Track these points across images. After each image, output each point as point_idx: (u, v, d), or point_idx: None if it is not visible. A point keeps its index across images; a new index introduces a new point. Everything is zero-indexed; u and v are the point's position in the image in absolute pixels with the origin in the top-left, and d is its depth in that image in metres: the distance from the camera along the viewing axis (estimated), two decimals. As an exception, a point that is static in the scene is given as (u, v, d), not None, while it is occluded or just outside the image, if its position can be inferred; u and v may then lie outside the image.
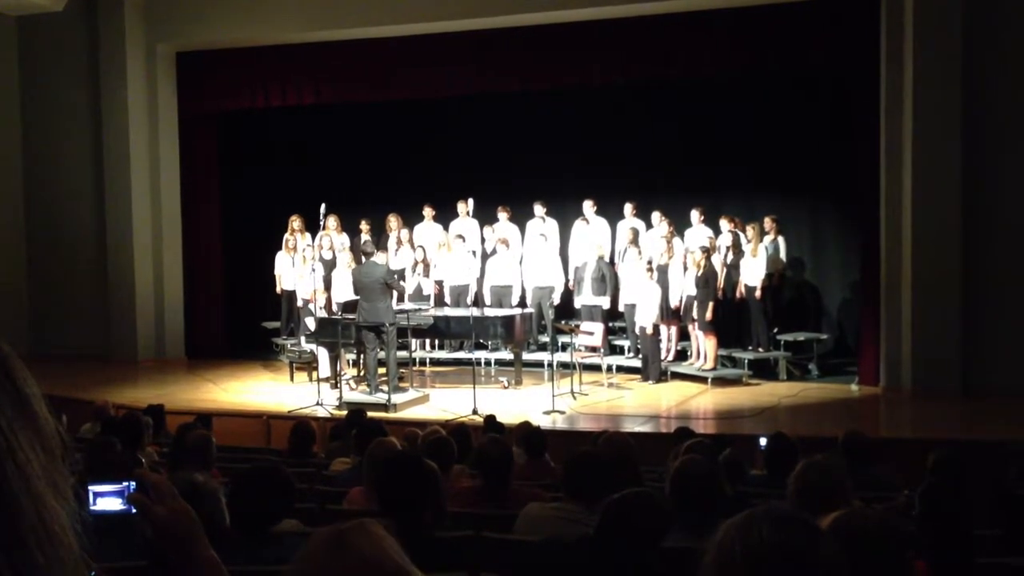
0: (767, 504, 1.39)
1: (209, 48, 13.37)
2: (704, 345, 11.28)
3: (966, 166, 10.12)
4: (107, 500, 1.61)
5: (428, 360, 12.49)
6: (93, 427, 7.48)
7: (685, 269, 11.45)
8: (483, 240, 12.78)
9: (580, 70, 12.07)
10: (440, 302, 12.25)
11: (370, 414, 7.92)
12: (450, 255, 12.32)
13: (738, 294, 11.58)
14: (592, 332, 11.11)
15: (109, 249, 13.43)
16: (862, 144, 11.03)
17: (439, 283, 12.40)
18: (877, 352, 10.87)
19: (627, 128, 13.43)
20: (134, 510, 1.44)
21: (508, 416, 8.46)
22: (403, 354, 10.86)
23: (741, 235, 11.77)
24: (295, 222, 12.73)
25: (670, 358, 11.73)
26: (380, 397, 9.81)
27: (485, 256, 12.49)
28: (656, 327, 11.08)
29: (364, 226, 12.79)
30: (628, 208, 12.47)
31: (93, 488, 1.60)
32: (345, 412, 8.56)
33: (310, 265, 11.52)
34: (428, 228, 12.93)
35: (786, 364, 11.47)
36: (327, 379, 10.85)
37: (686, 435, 6.43)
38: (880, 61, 10.65)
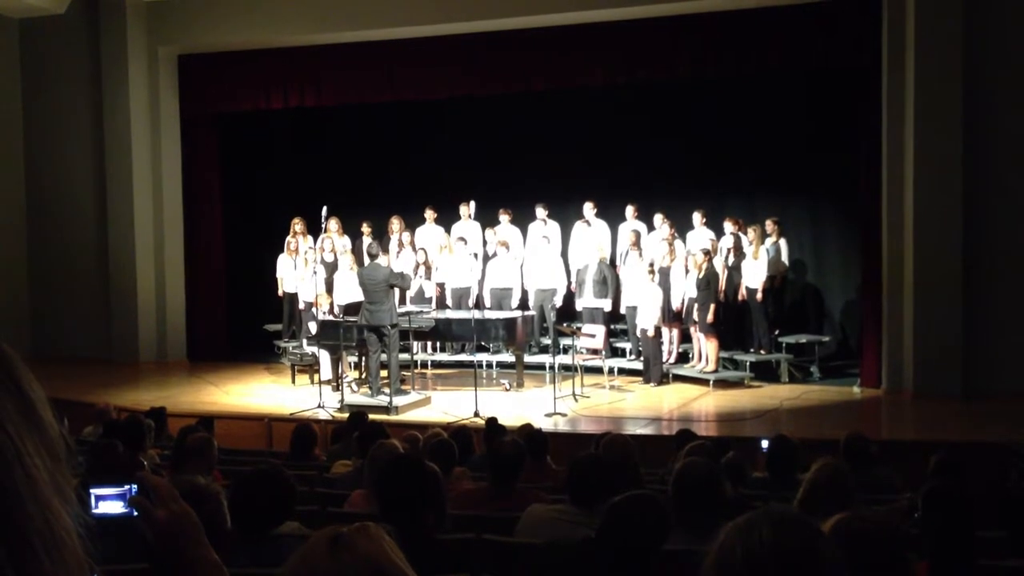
0: (768, 506, 1.39)
1: (211, 51, 13.38)
2: (705, 347, 11.27)
3: (967, 168, 10.12)
4: (108, 503, 1.61)
5: (430, 362, 12.50)
6: (95, 430, 7.48)
7: (687, 271, 11.45)
8: (485, 242, 12.78)
9: (582, 72, 12.08)
10: (442, 304, 12.26)
11: (372, 417, 7.92)
12: (452, 257, 12.33)
13: (739, 296, 11.58)
14: (593, 334, 11.11)
15: (111, 251, 13.45)
16: (863, 146, 11.03)
17: (440, 285, 12.40)
18: (879, 354, 10.86)
19: (629, 130, 13.43)
20: (135, 513, 1.45)
21: (510, 418, 8.46)
22: (405, 356, 10.86)
23: (743, 237, 11.77)
24: (297, 224, 12.75)
25: (671, 360, 11.73)
26: (382, 400, 9.81)
27: (486, 258, 12.49)
28: (658, 329, 11.08)
29: (366, 228, 12.80)
30: (630, 210, 12.47)
31: (94, 491, 1.60)
32: (347, 414, 8.56)
33: (312, 267, 11.53)
34: (430, 230, 12.94)
35: (788, 366, 11.46)
36: (328, 382, 10.86)
37: (688, 437, 6.43)
38: (881, 62, 10.65)
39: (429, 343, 12.41)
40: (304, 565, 1.30)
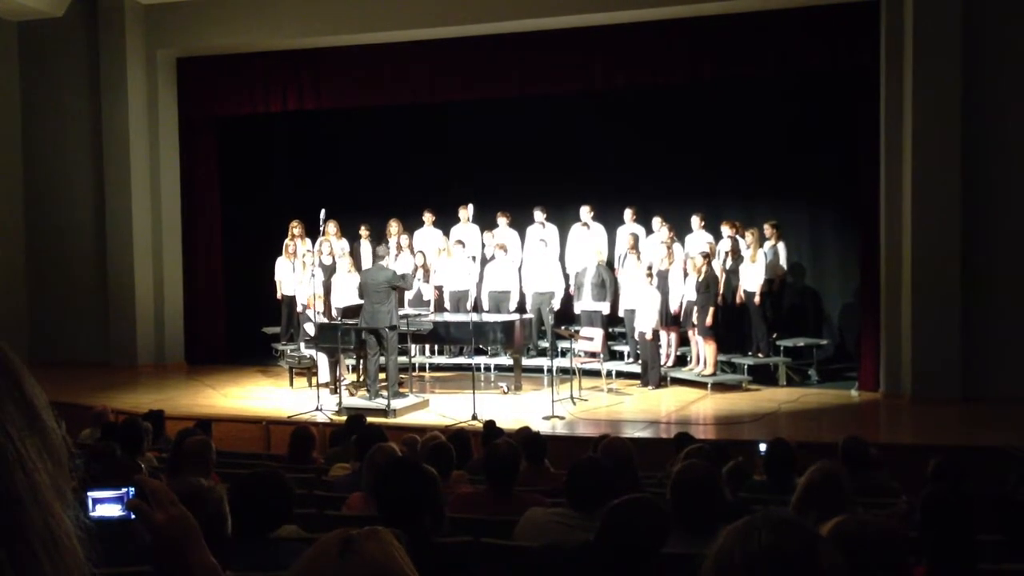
0: (766, 510, 1.39)
1: (209, 54, 13.38)
2: (704, 350, 11.27)
3: (966, 171, 10.13)
4: (106, 506, 1.60)
5: (428, 365, 12.50)
6: (93, 433, 7.48)
7: (685, 275, 11.45)
8: (483, 245, 12.78)
9: (580, 75, 12.08)
10: (440, 307, 12.26)
11: (370, 419, 7.92)
12: (450, 260, 12.33)
13: (738, 299, 11.59)
14: (592, 337, 11.12)
15: (109, 254, 13.44)
16: (862, 149, 11.04)
17: (439, 288, 12.40)
18: (877, 358, 10.87)
19: (627, 133, 13.45)
20: (133, 516, 1.44)
21: (508, 421, 8.46)
22: (403, 359, 10.85)
23: (741, 240, 11.77)
24: (295, 227, 12.76)
25: (670, 363, 11.73)
26: (380, 402, 9.80)
27: (485, 261, 12.49)
28: (656, 332, 11.08)
29: (364, 231, 12.81)
30: (628, 213, 12.48)
31: (92, 494, 1.59)
32: (345, 418, 8.57)
33: (310, 271, 11.53)
34: (428, 233, 12.94)
35: (786, 369, 11.47)
36: (327, 384, 10.86)
37: (686, 441, 6.42)
38: (880, 65, 10.66)
39: (427, 346, 12.42)
40: (313, 566, 1.30)
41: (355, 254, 12.37)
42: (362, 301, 10.24)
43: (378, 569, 1.28)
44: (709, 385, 10.99)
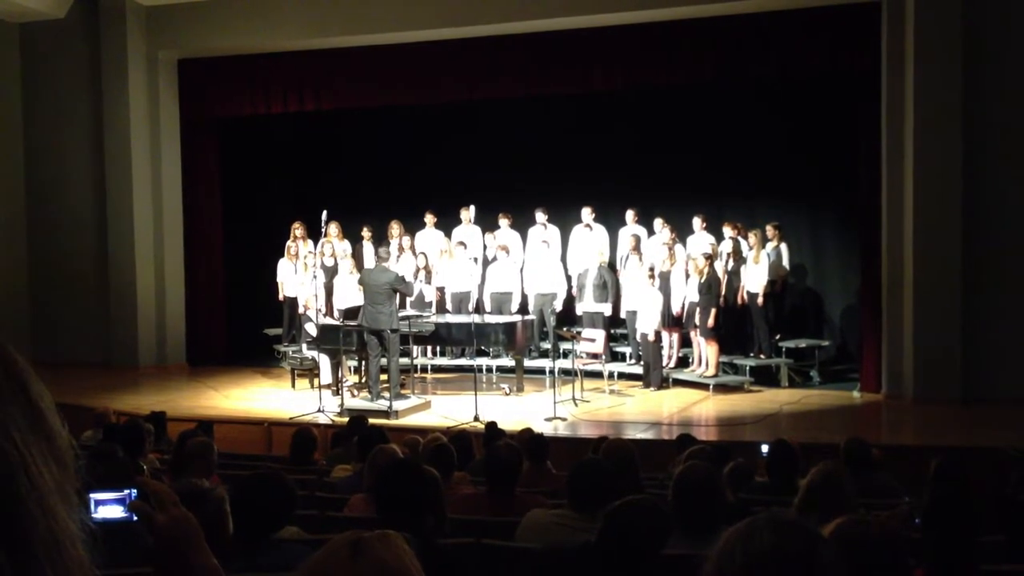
0: (768, 511, 1.39)
1: (211, 55, 13.39)
2: (706, 352, 11.27)
3: (967, 173, 10.12)
4: (108, 508, 1.61)
5: (430, 367, 12.50)
6: (94, 434, 7.47)
7: (687, 276, 11.45)
8: (484, 247, 12.79)
9: (582, 77, 12.09)
10: (442, 309, 12.26)
11: (371, 421, 7.91)
12: (452, 262, 12.33)
13: (740, 301, 11.58)
14: (593, 339, 11.11)
15: (111, 255, 13.45)
16: (863, 150, 11.04)
17: (441, 290, 12.41)
18: (879, 359, 10.87)
19: (629, 135, 13.45)
20: (135, 518, 1.45)
21: (509, 423, 8.46)
22: (405, 361, 10.86)
23: (743, 241, 11.77)
24: (297, 229, 12.77)
25: (672, 365, 11.74)
26: (381, 404, 9.80)
27: (486, 263, 12.49)
28: (658, 334, 11.08)
29: (366, 233, 12.81)
30: (630, 215, 12.49)
31: (94, 496, 1.60)
32: (346, 419, 8.56)
33: (312, 272, 11.54)
34: (430, 235, 12.94)
35: (788, 371, 11.46)
36: (328, 386, 10.86)
37: (689, 442, 6.42)
38: (881, 67, 10.66)
39: (429, 347, 12.43)
40: (322, 568, 1.30)
41: (357, 255, 12.38)
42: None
43: (387, 572, 1.29)
44: (711, 386, 10.99)
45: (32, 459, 0.84)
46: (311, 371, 11.55)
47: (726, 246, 11.84)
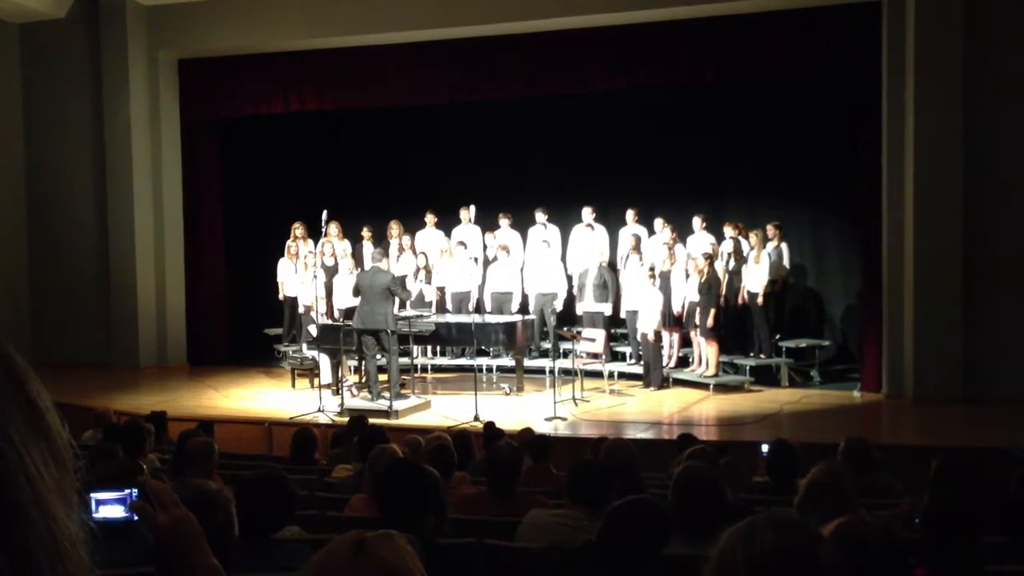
0: (769, 511, 1.39)
1: (211, 55, 13.39)
2: (706, 351, 11.27)
3: (968, 173, 10.13)
4: (109, 508, 1.60)
5: (430, 367, 12.50)
6: (95, 434, 7.47)
7: (687, 275, 11.45)
8: (485, 247, 12.79)
9: (582, 76, 12.09)
10: (442, 308, 12.26)
11: (372, 421, 7.92)
12: (452, 262, 12.33)
13: (740, 300, 11.58)
14: (594, 338, 11.11)
15: (111, 256, 13.45)
16: (864, 150, 11.04)
17: (441, 289, 12.41)
18: (879, 359, 10.86)
19: (629, 134, 13.46)
20: (136, 518, 1.44)
21: (509, 422, 8.46)
22: (405, 361, 10.86)
23: (743, 241, 11.77)
24: (297, 229, 12.77)
25: (672, 364, 11.73)
26: (382, 404, 9.80)
27: (487, 263, 12.49)
28: (658, 333, 11.08)
29: (366, 232, 12.81)
30: (630, 214, 12.48)
31: (95, 496, 1.59)
32: (347, 419, 8.56)
33: (312, 272, 11.54)
34: (430, 234, 12.94)
35: (788, 370, 11.46)
36: (329, 386, 10.86)
37: (690, 442, 6.42)
38: (882, 67, 10.66)
39: (429, 347, 12.42)
40: (325, 567, 1.30)
41: (357, 255, 12.37)
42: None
43: (390, 572, 1.29)
44: (711, 386, 10.99)
45: (31, 459, 0.83)
46: (311, 371, 11.55)
47: (727, 246, 11.84)
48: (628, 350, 12.20)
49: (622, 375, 11.68)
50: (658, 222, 12.22)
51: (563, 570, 3.19)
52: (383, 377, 10.32)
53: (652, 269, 11.30)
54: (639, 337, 11.37)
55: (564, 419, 9.59)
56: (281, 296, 12.82)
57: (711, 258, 11.33)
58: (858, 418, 10.08)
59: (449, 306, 12.31)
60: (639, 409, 10.31)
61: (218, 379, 12.36)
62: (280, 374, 12.46)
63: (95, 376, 12.46)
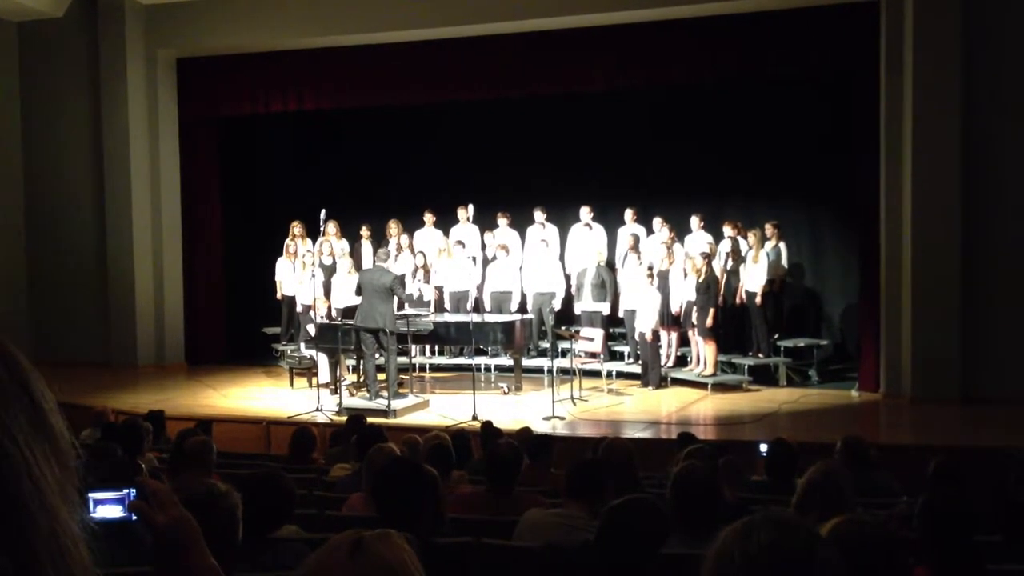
0: (766, 510, 1.39)
1: (210, 54, 13.38)
2: (704, 351, 11.27)
3: (966, 173, 10.13)
4: (107, 507, 1.60)
5: (428, 366, 12.50)
6: (93, 433, 7.47)
7: (685, 275, 11.45)
8: (483, 246, 12.79)
9: (580, 76, 12.08)
10: (440, 308, 12.25)
11: (370, 420, 7.92)
12: (450, 261, 12.33)
13: (738, 300, 11.59)
14: (592, 338, 11.12)
15: (109, 255, 13.44)
16: (862, 150, 11.03)
17: (439, 289, 12.40)
18: (877, 358, 10.87)
19: (628, 134, 13.45)
20: (134, 517, 1.44)
21: (508, 422, 8.46)
22: (403, 360, 10.85)
23: (742, 241, 11.78)
24: (296, 228, 12.76)
25: (670, 364, 11.73)
26: (380, 403, 9.80)
27: (485, 262, 12.49)
28: (656, 333, 11.08)
29: (364, 232, 12.80)
30: (628, 214, 12.48)
31: (93, 495, 1.59)
32: (345, 418, 8.57)
33: (310, 271, 11.54)
34: (428, 234, 12.94)
35: (786, 370, 11.47)
36: (327, 385, 10.86)
37: (689, 441, 6.42)
38: (880, 67, 10.66)
39: (427, 346, 12.42)
40: (323, 566, 1.31)
41: (355, 254, 12.37)
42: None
43: (388, 571, 1.29)
44: (709, 385, 10.99)
45: (35, 460, 0.84)
46: (309, 370, 11.55)
47: (725, 245, 11.85)
48: (626, 349, 12.20)
49: (620, 374, 11.68)
50: (656, 221, 12.22)
51: (561, 569, 3.20)
52: (381, 376, 10.32)
53: (650, 268, 11.30)
54: (637, 336, 11.37)
55: (562, 418, 9.59)
56: (279, 295, 12.81)
57: (709, 258, 11.33)
58: (856, 417, 10.08)
59: (447, 305, 12.30)
60: (637, 408, 10.31)
61: (216, 378, 12.36)
62: (278, 373, 12.46)
63: (93, 375, 12.44)
